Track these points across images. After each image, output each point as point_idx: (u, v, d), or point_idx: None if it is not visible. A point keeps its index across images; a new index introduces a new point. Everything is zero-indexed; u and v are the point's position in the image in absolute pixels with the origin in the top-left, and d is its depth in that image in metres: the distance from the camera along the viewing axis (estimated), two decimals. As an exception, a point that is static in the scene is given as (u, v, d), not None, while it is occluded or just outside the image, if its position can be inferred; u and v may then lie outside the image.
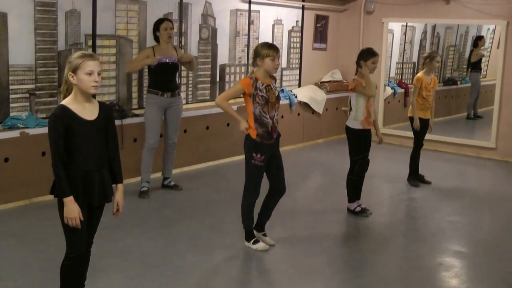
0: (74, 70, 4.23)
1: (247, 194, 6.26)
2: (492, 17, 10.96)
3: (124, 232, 6.69)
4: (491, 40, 15.12)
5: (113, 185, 4.59)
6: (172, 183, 8.43)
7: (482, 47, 14.65)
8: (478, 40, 14.48)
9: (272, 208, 6.47)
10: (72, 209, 4.25)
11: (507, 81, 10.93)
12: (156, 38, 8.07)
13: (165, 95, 8.02)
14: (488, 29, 14.99)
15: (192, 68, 8.58)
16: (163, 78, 8.01)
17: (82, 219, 4.30)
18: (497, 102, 11.07)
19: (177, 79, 8.34)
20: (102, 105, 4.47)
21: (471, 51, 14.53)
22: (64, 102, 4.30)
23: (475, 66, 14.39)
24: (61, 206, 4.33)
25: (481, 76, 14.60)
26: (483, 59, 14.96)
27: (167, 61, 7.97)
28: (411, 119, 8.80)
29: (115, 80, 8.57)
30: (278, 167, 6.33)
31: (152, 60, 7.86)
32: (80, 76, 4.22)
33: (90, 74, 4.22)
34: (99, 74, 4.29)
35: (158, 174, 8.61)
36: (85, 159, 4.31)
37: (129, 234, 6.65)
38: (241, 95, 6.14)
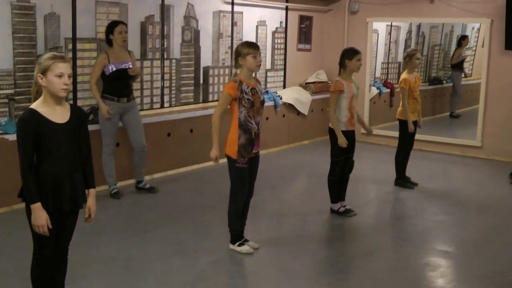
0: (44, 72, 4.12)
1: (234, 199, 6.18)
2: (476, 15, 10.96)
3: (107, 237, 6.61)
4: (476, 39, 15.14)
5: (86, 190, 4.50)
6: (148, 185, 8.39)
7: (466, 47, 14.68)
8: (462, 40, 14.52)
9: (246, 213, 6.38)
10: (40, 216, 4.15)
11: (491, 80, 10.93)
12: (109, 41, 7.93)
13: (121, 101, 7.94)
14: (473, 28, 15.01)
15: (134, 80, 8.32)
16: (119, 83, 7.93)
17: (50, 226, 4.20)
18: (483, 100, 11.08)
19: (131, 84, 8.22)
20: (73, 107, 4.37)
21: (455, 51, 14.56)
22: (34, 105, 4.20)
23: (456, 65, 14.43)
24: (29, 210, 4.23)
25: (462, 76, 14.64)
26: (468, 58, 15.00)
27: (124, 66, 7.91)
28: (401, 121, 8.73)
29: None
30: (252, 176, 6.27)
31: (104, 111, 7.80)
32: (50, 78, 4.12)
33: (60, 76, 4.12)
34: (69, 76, 4.18)
35: (144, 178, 8.57)
36: (55, 163, 4.20)
37: (112, 239, 6.56)
38: None
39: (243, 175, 6.09)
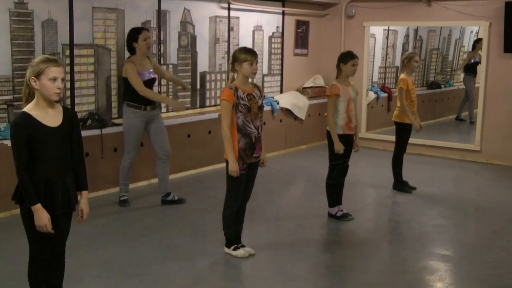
0: (37, 75, 4.14)
1: (229, 203, 6.21)
2: (474, 18, 10.94)
3: (104, 242, 6.62)
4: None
5: (78, 192, 4.52)
6: (176, 197, 8.18)
7: (480, 50, 14.54)
8: (476, 43, 14.10)
9: (242, 218, 6.39)
10: (42, 217, 4.20)
11: (490, 83, 10.91)
12: (132, 49, 7.82)
13: (148, 109, 7.82)
14: (471, 31, 15.01)
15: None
16: None
17: (51, 226, 4.24)
18: (481, 104, 11.04)
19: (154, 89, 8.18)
20: (66, 110, 4.39)
21: (468, 54, 14.42)
22: (26, 108, 4.22)
23: (469, 69, 14.28)
24: (24, 213, 4.30)
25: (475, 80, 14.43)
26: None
27: (152, 77, 7.88)
28: (397, 124, 8.72)
29: (94, 89, 8.48)
30: (250, 181, 6.28)
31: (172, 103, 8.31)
32: (43, 82, 4.14)
33: (53, 80, 4.14)
34: (62, 80, 4.20)
35: (143, 183, 8.58)
36: (47, 166, 4.24)
37: (109, 243, 6.58)
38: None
39: (240, 181, 6.09)
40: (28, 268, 4.44)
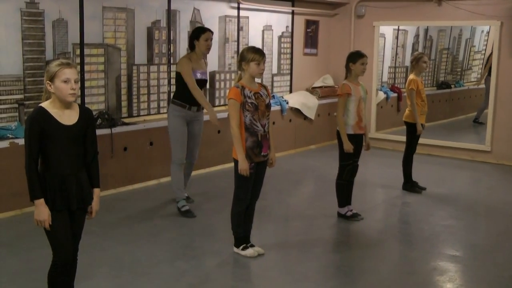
0: (51, 79, 4.24)
1: (237, 202, 6.22)
2: (485, 18, 10.90)
3: (114, 240, 6.64)
4: (485, 42, 15.08)
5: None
6: (185, 195, 8.14)
7: None
8: None
9: (251, 217, 6.39)
10: (42, 212, 4.28)
11: (501, 83, 10.87)
12: (192, 46, 7.72)
13: (192, 109, 7.68)
14: (482, 31, 14.95)
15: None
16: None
17: (51, 223, 4.31)
18: (492, 104, 11.01)
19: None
20: (82, 109, 4.47)
21: (490, 55, 14.15)
22: (43, 104, 4.32)
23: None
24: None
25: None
26: (477, 62, 14.88)
27: (203, 78, 7.75)
28: (408, 124, 8.69)
29: (104, 88, 8.50)
30: (259, 180, 6.27)
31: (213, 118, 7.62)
32: (57, 84, 4.23)
33: (66, 81, 4.22)
34: (76, 81, 4.27)
35: (153, 182, 8.59)
36: (60, 163, 4.31)
37: (118, 242, 6.60)
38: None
39: (248, 180, 6.09)
40: (49, 270, 4.49)
